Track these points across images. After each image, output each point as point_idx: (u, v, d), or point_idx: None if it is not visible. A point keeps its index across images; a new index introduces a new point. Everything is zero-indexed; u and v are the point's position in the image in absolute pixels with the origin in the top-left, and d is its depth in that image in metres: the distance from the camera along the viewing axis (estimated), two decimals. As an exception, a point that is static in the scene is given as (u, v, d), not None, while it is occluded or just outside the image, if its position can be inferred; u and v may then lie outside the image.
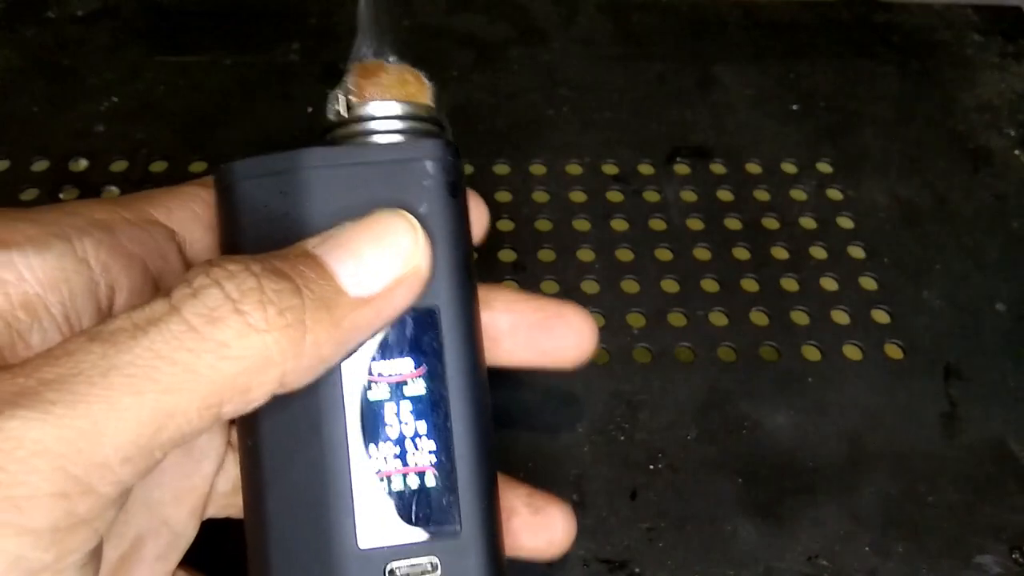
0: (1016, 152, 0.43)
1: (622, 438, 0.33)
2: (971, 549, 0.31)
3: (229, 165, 0.23)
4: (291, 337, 0.20)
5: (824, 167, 0.43)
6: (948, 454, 0.33)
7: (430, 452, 0.22)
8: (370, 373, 0.22)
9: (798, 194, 0.41)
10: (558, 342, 0.27)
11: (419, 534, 0.22)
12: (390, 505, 0.22)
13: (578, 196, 0.41)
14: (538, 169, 0.42)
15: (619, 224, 0.40)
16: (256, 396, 0.20)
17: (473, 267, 0.24)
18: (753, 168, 0.42)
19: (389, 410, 0.22)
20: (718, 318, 0.37)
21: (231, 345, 0.20)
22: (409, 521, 0.22)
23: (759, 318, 0.37)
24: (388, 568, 0.22)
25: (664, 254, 0.39)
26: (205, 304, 0.20)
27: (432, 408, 0.22)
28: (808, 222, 0.40)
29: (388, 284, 0.22)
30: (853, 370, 0.35)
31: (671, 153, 0.43)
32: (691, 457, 0.33)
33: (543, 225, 0.40)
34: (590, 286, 0.38)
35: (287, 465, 0.22)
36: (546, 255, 0.39)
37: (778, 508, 0.32)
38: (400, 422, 0.22)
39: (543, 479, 0.32)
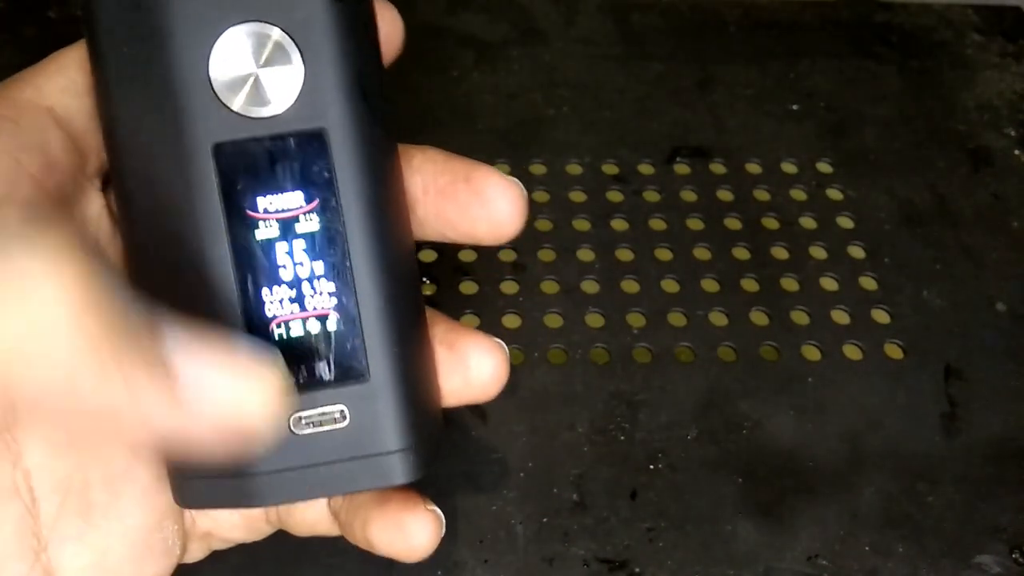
0: (1016, 152, 0.43)
1: (622, 438, 0.33)
2: (971, 549, 0.31)
3: None
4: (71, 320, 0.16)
5: (824, 167, 0.42)
6: (948, 454, 0.33)
7: (330, 294, 0.20)
8: (256, 210, 0.20)
9: (798, 194, 0.41)
10: (466, 213, 0.22)
11: (323, 381, 0.21)
12: (290, 353, 0.20)
13: (578, 196, 0.41)
14: (538, 169, 0.42)
15: (619, 224, 0.40)
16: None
17: (376, 86, 0.21)
18: (753, 168, 0.42)
19: (281, 250, 0.20)
20: (718, 318, 0.37)
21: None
22: (312, 368, 0.21)
23: (759, 318, 0.37)
24: (293, 416, 0.20)
25: (664, 254, 0.39)
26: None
27: (328, 246, 0.20)
28: (808, 222, 0.40)
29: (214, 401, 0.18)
30: (853, 370, 0.35)
31: (671, 153, 0.43)
32: (691, 457, 0.33)
33: (543, 225, 0.40)
34: (590, 286, 0.38)
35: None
36: (546, 255, 0.39)
37: (778, 508, 0.32)
38: (294, 263, 0.20)
39: (543, 479, 0.32)
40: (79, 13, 0.21)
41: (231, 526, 0.25)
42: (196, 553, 0.25)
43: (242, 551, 0.28)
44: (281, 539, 0.28)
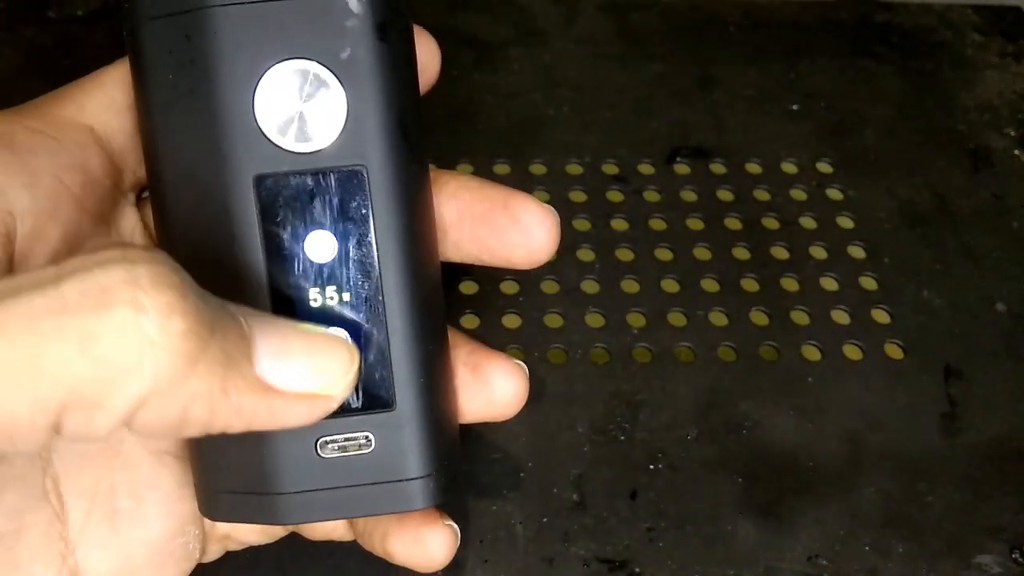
0: (1016, 152, 0.43)
1: (622, 438, 0.33)
2: (971, 549, 0.31)
3: (132, 2, 0.21)
4: (177, 367, 0.16)
5: (824, 167, 0.42)
6: (948, 454, 0.33)
7: (360, 326, 0.21)
8: (293, 240, 0.21)
9: (798, 194, 0.41)
10: (502, 239, 0.23)
11: (350, 408, 0.21)
12: None
13: (578, 196, 0.41)
14: (538, 169, 0.42)
15: (619, 224, 0.40)
16: (102, 420, 0.16)
17: (414, 123, 0.21)
18: (753, 168, 0.42)
19: (315, 281, 0.21)
20: (718, 318, 0.37)
21: (101, 340, 0.15)
22: None
23: (759, 318, 0.37)
24: (320, 440, 0.21)
25: (664, 254, 0.39)
26: (98, 280, 0.16)
27: (361, 279, 0.21)
28: (808, 222, 0.40)
29: (298, 390, 0.19)
30: (853, 370, 0.35)
31: (671, 153, 0.43)
32: (691, 457, 0.33)
33: (543, 225, 0.39)
34: (590, 286, 0.38)
35: None
36: (546, 255, 0.39)
37: (778, 508, 0.32)
38: (328, 294, 0.21)
39: (543, 479, 0.32)
40: (124, 36, 0.21)
41: (248, 530, 0.26)
42: (212, 554, 0.26)
43: (242, 550, 0.28)
44: (282, 538, 0.28)
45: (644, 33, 0.48)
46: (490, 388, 0.24)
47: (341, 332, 0.20)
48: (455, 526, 0.24)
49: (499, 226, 0.23)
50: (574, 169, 0.42)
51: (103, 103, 0.22)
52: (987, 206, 0.41)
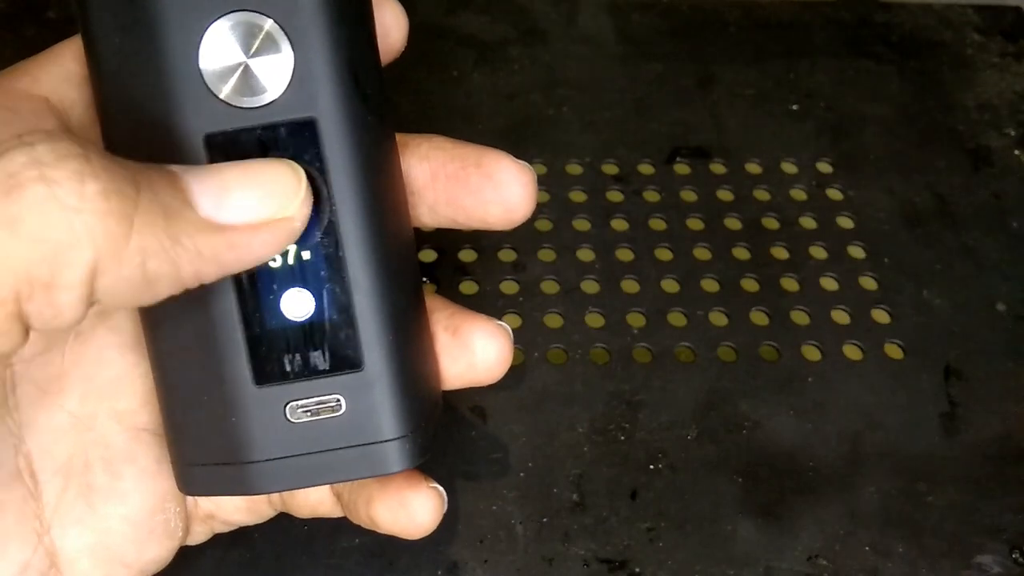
0: (1016, 152, 0.43)
1: (622, 438, 0.33)
2: (971, 549, 0.31)
3: None
4: (110, 228, 0.17)
5: (824, 167, 0.42)
6: (948, 454, 0.33)
7: (323, 284, 0.21)
8: None
9: (798, 194, 0.41)
10: (477, 197, 0.23)
11: (317, 370, 0.21)
12: (284, 341, 0.21)
13: (578, 196, 0.41)
14: (538, 169, 0.42)
15: (619, 224, 0.40)
16: (64, 297, 0.17)
17: (369, 75, 0.21)
18: (753, 168, 0.42)
19: None
20: (718, 318, 0.37)
21: (24, 220, 0.16)
22: (307, 358, 0.21)
23: (759, 318, 0.37)
24: (288, 405, 0.21)
25: (664, 254, 0.39)
26: (3, 169, 0.16)
27: (321, 235, 0.21)
28: (808, 222, 0.40)
29: (251, 220, 0.19)
30: (853, 370, 0.35)
31: (671, 153, 0.43)
32: (691, 457, 0.33)
33: (543, 225, 0.40)
34: (590, 286, 0.38)
35: (173, 312, 0.21)
36: (546, 255, 0.39)
37: (778, 508, 0.32)
38: (286, 252, 0.21)
39: (543, 479, 0.32)
40: (73, 9, 0.21)
41: (233, 509, 0.25)
42: (199, 536, 0.26)
43: (243, 551, 0.28)
44: (282, 539, 0.28)
45: (644, 33, 0.48)
46: (471, 351, 0.23)
47: (278, 159, 0.20)
48: (441, 489, 0.24)
49: (472, 184, 0.23)
50: (574, 169, 0.42)
51: (59, 75, 0.22)
52: (987, 206, 0.41)
